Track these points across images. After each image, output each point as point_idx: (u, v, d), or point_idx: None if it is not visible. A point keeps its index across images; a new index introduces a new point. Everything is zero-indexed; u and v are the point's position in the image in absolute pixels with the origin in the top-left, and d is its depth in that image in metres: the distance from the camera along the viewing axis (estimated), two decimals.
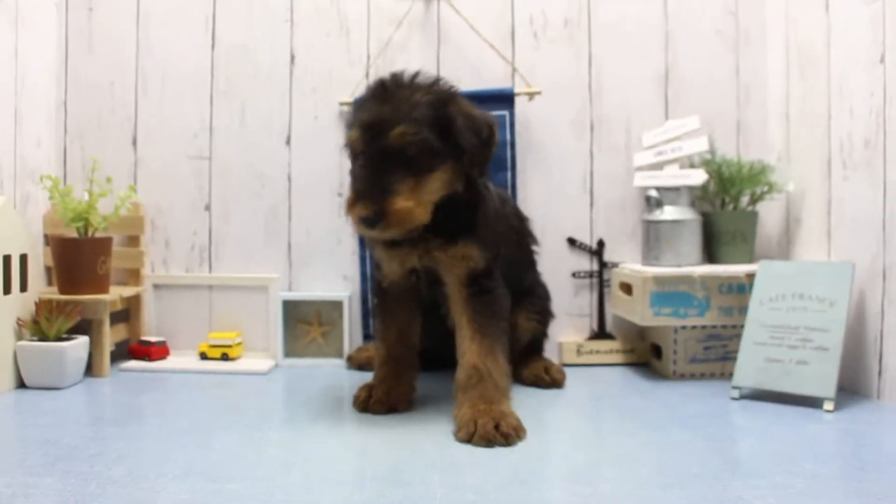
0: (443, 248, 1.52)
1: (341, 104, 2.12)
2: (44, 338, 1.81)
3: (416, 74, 1.48)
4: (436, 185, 1.44)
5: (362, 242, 2.12)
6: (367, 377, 1.71)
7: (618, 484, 1.17)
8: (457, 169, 1.47)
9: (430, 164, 1.42)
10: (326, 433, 1.45)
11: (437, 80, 1.49)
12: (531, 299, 1.86)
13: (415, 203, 1.40)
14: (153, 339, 2.09)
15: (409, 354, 1.65)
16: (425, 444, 1.37)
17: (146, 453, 1.32)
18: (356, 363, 2.03)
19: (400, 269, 1.58)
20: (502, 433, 1.36)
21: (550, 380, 1.82)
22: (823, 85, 1.87)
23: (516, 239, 1.85)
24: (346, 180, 2.13)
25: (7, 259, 1.78)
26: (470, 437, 1.37)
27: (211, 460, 1.27)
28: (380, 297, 1.68)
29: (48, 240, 2.08)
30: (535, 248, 1.97)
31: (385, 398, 1.58)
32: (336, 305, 2.12)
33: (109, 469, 1.22)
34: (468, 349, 1.49)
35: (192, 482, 1.17)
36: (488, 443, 1.35)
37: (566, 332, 2.14)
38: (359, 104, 1.49)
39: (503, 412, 1.42)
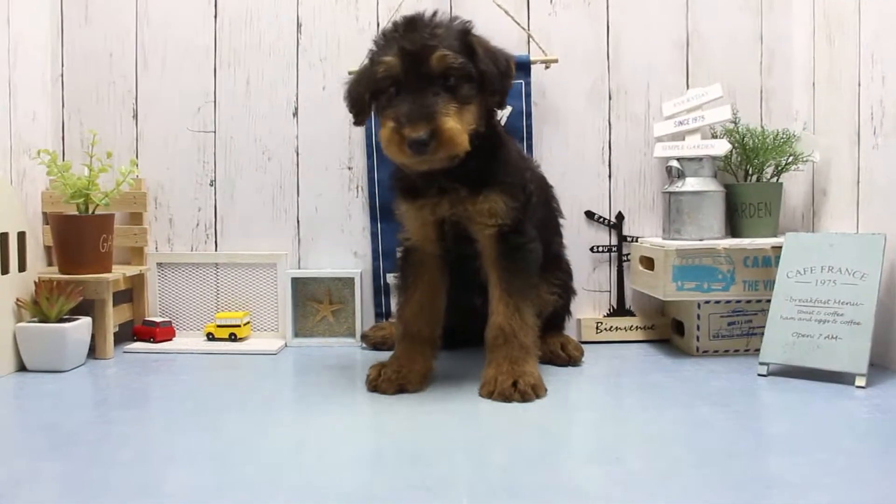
0: (471, 200, 1.52)
1: (350, 73, 2.05)
2: (44, 319, 1.75)
3: (435, 13, 1.49)
4: (472, 115, 1.46)
5: (374, 218, 2.06)
6: (382, 356, 1.67)
7: (649, 462, 1.12)
8: (482, 103, 1.49)
9: (467, 92, 1.44)
10: (341, 414, 1.40)
11: (455, 18, 1.53)
12: (554, 271, 1.80)
13: (462, 129, 1.41)
14: (158, 319, 2.04)
15: (428, 331, 1.60)
16: (446, 422, 1.33)
17: (153, 436, 1.27)
18: (371, 342, 1.98)
19: (425, 223, 1.57)
20: (519, 391, 1.45)
21: (567, 356, 1.77)
22: (853, 50, 1.79)
23: (544, 199, 1.80)
24: (356, 153, 2.09)
25: (4, 237, 1.72)
26: (490, 394, 1.47)
27: (221, 443, 1.23)
28: (402, 265, 1.66)
29: (47, 218, 2.02)
30: (560, 220, 1.92)
31: (394, 377, 1.54)
32: (347, 283, 2.06)
33: (116, 453, 1.17)
34: (496, 309, 1.54)
35: (203, 465, 1.12)
36: (506, 399, 1.44)
37: (585, 309, 2.08)
38: (385, 38, 1.48)
39: (524, 371, 1.49)
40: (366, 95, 1.52)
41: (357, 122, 1.59)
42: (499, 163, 1.55)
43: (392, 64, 1.42)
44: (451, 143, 1.39)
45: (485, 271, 1.57)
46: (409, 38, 1.42)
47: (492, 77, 1.47)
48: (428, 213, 1.55)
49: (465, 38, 1.47)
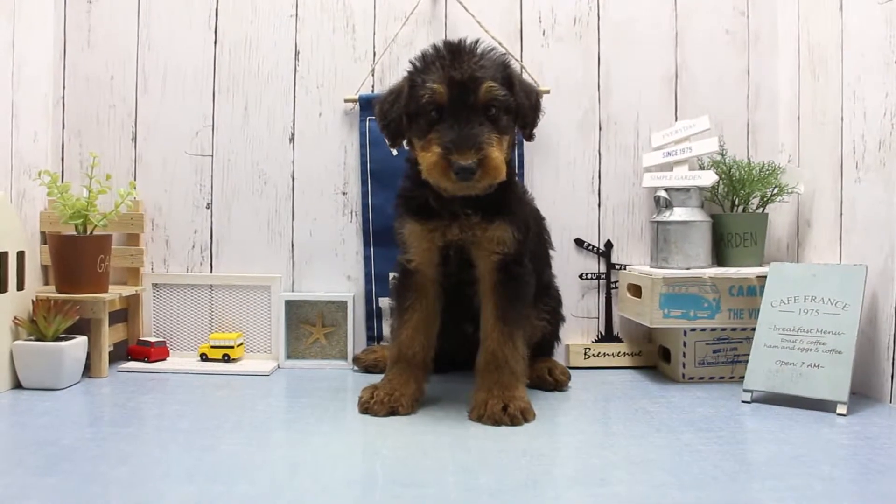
0: (482, 226, 1.55)
1: (346, 101, 2.09)
2: (41, 337, 1.77)
3: (477, 41, 1.53)
4: (507, 145, 1.53)
5: (367, 242, 2.09)
6: (374, 379, 1.69)
7: (633, 486, 1.15)
8: (514, 133, 1.57)
9: (506, 123, 1.50)
10: (333, 435, 1.42)
11: (493, 49, 1.55)
12: (544, 298, 1.83)
13: (502, 159, 1.46)
14: (153, 339, 2.06)
15: (422, 355, 1.62)
16: (437, 445, 1.35)
17: (149, 454, 1.29)
18: (363, 365, 2.00)
19: (432, 246, 1.59)
20: (509, 415, 1.48)
21: (554, 381, 1.80)
22: (836, 86, 1.85)
23: (537, 231, 1.83)
24: (351, 178, 2.12)
25: (3, 256, 1.74)
26: (480, 417, 1.50)
27: (216, 461, 1.25)
28: (400, 288, 1.66)
29: (45, 237, 2.05)
30: (550, 251, 1.96)
31: (386, 399, 1.56)
32: (340, 306, 2.08)
33: (112, 470, 1.19)
34: (489, 335, 1.56)
35: (199, 483, 1.14)
36: (495, 423, 1.47)
37: (573, 335, 2.11)
38: (426, 61, 1.52)
39: (513, 395, 1.52)
40: (403, 118, 1.54)
41: (393, 145, 1.61)
42: (511, 194, 1.59)
43: (439, 91, 1.45)
44: (495, 171, 1.44)
45: (479, 298, 1.59)
46: (456, 66, 1.46)
47: (526, 110, 1.55)
48: (438, 236, 1.57)
49: (505, 71, 1.52)
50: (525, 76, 2.08)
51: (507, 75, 1.51)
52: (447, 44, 1.52)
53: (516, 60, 2.09)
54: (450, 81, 1.45)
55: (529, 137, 1.62)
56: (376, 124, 2.04)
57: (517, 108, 1.52)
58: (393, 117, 1.56)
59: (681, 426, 1.48)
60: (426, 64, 1.51)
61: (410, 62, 1.56)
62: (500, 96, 1.46)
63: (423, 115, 1.48)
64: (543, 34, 2.11)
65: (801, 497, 1.09)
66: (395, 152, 1.89)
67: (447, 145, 1.42)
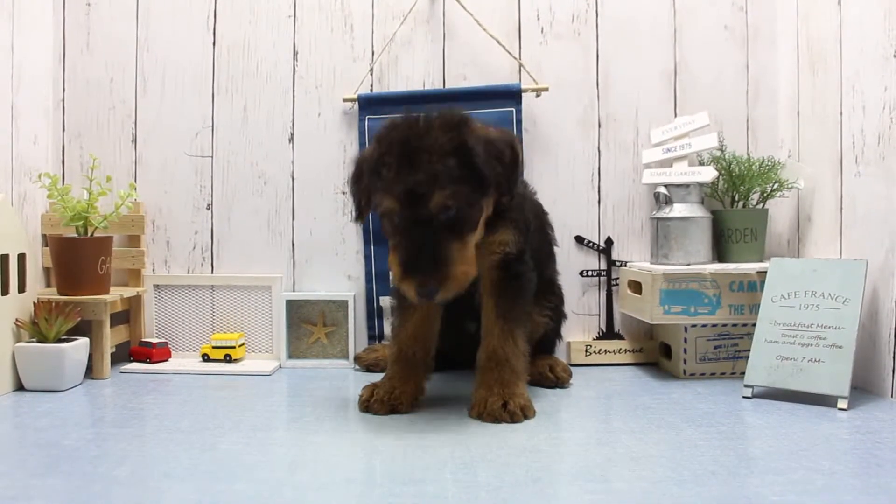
0: (484, 235, 1.52)
1: (345, 100, 2.09)
2: (43, 339, 1.77)
3: (429, 120, 1.43)
4: (478, 228, 1.46)
5: (368, 241, 2.10)
6: (375, 378, 1.69)
7: (633, 482, 1.14)
8: (488, 199, 1.47)
9: (471, 217, 1.42)
10: (334, 433, 1.42)
11: (447, 112, 1.45)
12: (547, 295, 1.83)
13: (467, 265, 1.42)
14: (154, 340, 2.06)
15: (422, 353, 1.62)
16: (437, 443, 1.35)
17: (150, 454, 1.29)
18: (365, 364, 2.00)
19: None
20: (509, 412, 1.48)
21: (555, 378, 1.80)
22: (835, 81, 1.84)
23: (539, 225, 1.82)
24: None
25: (5, 259, 1.75)
26: (480, 414, 1.50)
27: (216, 461, 1.25)
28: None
29: (46, 240, 2.05)
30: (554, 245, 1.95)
31: (387, 398, 1.56)
32: (341, 305, 2.09)
33: (113, 470, 1.19)
34: (490, 332, 1.56)
35: (199, 482, 1.14)
36: (495, 420, 1.48)
37: (574, 332, 2.11)
38: (382, 160, 1.41)
39: (513, 393, 1.52)
40: (363, 200, 1.50)
41: (356, 220, 1.55)
42: (510, 203, 1.54)
43: (392, 209, 1.40)
44: (459, 284, 1.40)
45: (479, 296, 1.59)
46: (406, 172, 1.37)
47: (496, 177, 1.43)
48: None
49: (462, 142, 1.40)
50: (524, 74, 2.09)
51: (462, 150, 1.39)
52: (398, 136, 1.41)
53: (514, 58, 2.09)
54: (399, 197, 1.38)
55: (511, 198, 1.50)
56: (376, 122, 2.06)
57: (485, 181, 1.41)
58: (357, 198, 1.52)
59: (681, 422, 1.48)
60: (382, 153, 1.42)
61: (375, 138, 1.47)
62: (454, 205, 1.37)
63: (385, 217, 1.45)
64: (542, 31, 2.11)
65: (802, 491, 1.09)
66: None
67: (405, 266, 1.38)
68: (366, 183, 1.47)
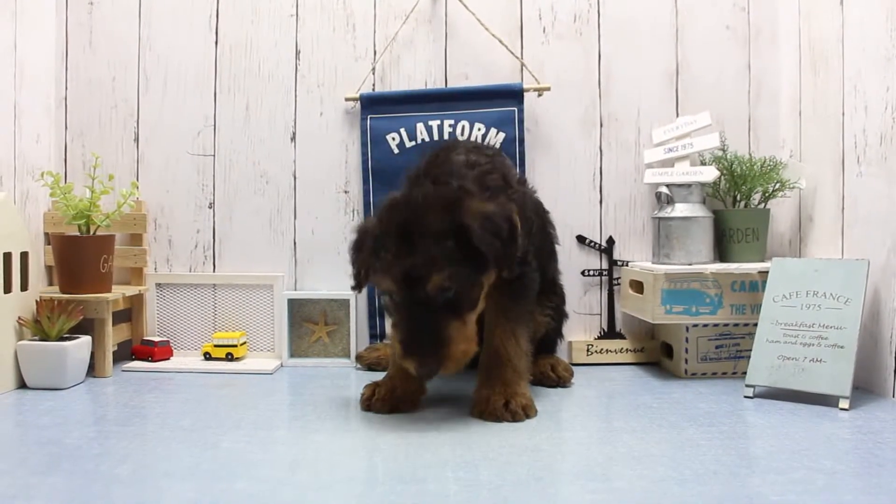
0: None
1: (347, 99, 2.10)
2: (45, 337, 1.78)
3: (426, 197, 1.43)
4: (478, 304, 1.47)
5: None
6: (376, 377, 1.69)
7: (634, 481, 1.15)
8: (489, 274, 1.46)
9: (470, 295, 1.43)
10: (335, 432, 1.42)
11: (445, 191, 1.46)
12: (549, 295, 1.83)
13: (467, 343, 1.43)
14: (156, 338, 2.06)
15: None
16: (438, 442, 1.35)
17: (151, 453, 1.29)
18: (366, 363, 2.00)
19: None
20: (511, 411, 1.49)
21: (556, 377, 1.80)
22: (837, 81, 1.84)
23: (541, 224, 1.82)
24: (352, 177, 2.13)
25: (7, 257, 1.75)
26: (482, 413, 1.51)
27: (217, 459, 1.25)
28: None
29: (48, 238, 2.06)
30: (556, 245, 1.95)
31: (388, 397, 1.57)
32: (342, 304, 2.09)
33: (115, 468, 1.19)
34: (493, 332, 1.57)
35: (199, 481, 1.14)
36: (497, 419, 1.48)
37: (576, 332, 2.11)
38: (382, 241, 1.42)
39: (515, 392, 1.53)
40: (362, 271, 1.50)
41: (354, 289, 1.54)
42: (515, 200, 1.54)
43: (390, 289, 1.42)
44: (458, 363, 1.42)
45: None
46: (403, 254, 1.38)
47: (495, 253, 1.41)
48: None
49: (459, 221, 1.39)
50: (525, 74, 2.10)
51: (459, 229, 1.38)
52: (399, 213, 1.42)
53: (516, 58, 2.10)
54: (397, 280, 1.39)
55: (511, 272, 1.47)
56: (378, 122, 2.06)
57: (484, 259, 1.40)
58: (356, 265, 1.52)
59: (683, 421, 1.48)
60: (382, 233, 1.43)
61: (377, 214, 1.48)
62: (451, 286, 1.38)
63: (385, 296, 1.46)
64: (544, 31, 2.11)
65: (804, 491, 1.09)
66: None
67: (405, 345, 1.40)
68: (365, 256, 1.48)
